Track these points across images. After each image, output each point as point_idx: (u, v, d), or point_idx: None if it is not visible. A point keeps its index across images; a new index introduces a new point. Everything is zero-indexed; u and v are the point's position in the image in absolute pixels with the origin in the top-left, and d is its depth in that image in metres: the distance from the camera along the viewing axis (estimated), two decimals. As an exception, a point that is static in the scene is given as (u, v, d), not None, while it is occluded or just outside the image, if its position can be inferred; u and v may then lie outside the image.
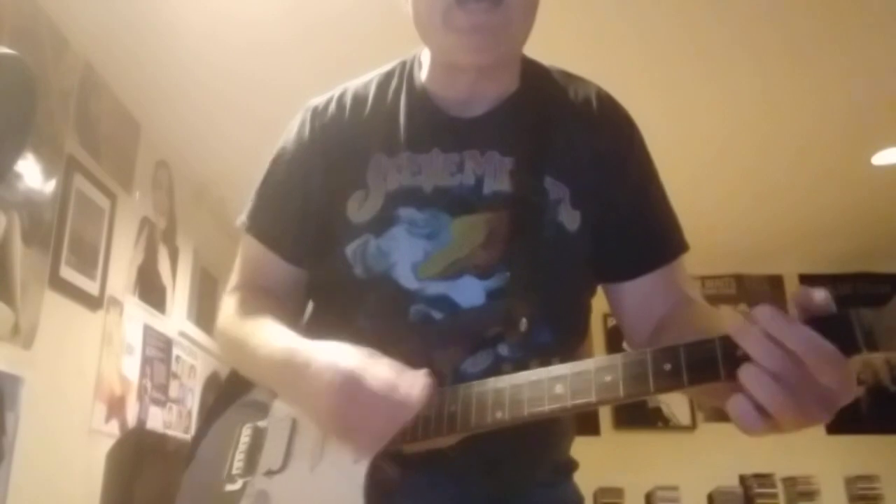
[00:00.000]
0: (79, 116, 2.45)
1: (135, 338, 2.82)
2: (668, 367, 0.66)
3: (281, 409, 0.91)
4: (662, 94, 2.78)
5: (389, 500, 0.78)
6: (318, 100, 1.05)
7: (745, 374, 0.62)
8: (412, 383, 0.76)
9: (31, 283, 2.13)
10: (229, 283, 1.05)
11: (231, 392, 1.00)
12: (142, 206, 2.93)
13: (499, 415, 0.74)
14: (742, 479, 4.21)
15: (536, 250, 0.88)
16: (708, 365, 0.64)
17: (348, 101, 1.01)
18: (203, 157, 3.27)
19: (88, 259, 2.48)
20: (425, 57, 0.99)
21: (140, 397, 2.83)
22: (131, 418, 2.74)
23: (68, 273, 2.33)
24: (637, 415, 4.48)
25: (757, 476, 4.19)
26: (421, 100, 0.97)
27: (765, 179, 3.46)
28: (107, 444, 2.48)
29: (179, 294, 3.32)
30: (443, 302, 0.87)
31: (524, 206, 0.89)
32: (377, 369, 0.77)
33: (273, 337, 0.89)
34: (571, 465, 0.98)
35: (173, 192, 3.26)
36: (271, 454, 0.87)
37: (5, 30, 2.04)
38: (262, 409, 0.93)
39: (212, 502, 0.90)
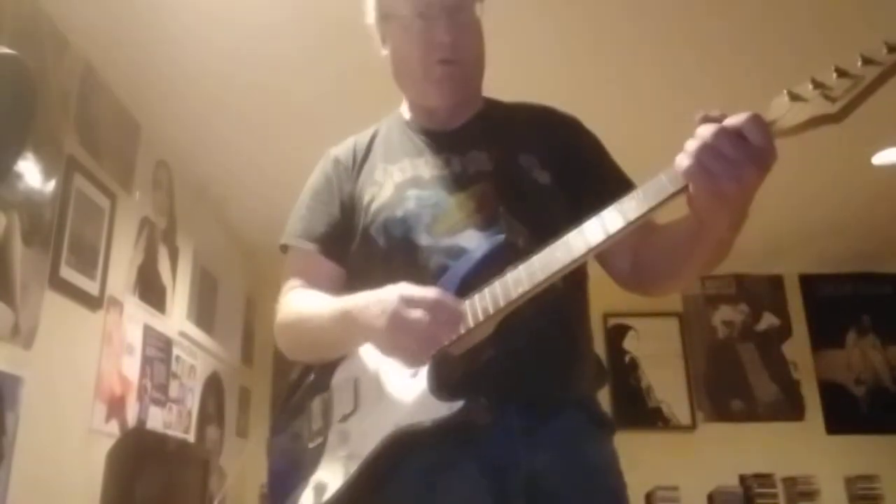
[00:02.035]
0: (79, 116, 2.45)
1: (135, 338, 2.82)
2: (642, 195, 0.88)
3: (341, 377, 1.09)
4: (662, 93, 2.78)
5: (452, 386, 0.95)
6: (334, 148, 1.31)
7: (682, 155, 0.84)
8: (456, 300, 0.96)
9: (31, 283, 2.13)
10: (281, 294, 1.22)
11: (296, 387, 1.19)
12: (142, 206, 2.93)
13: (520, 289, 0.93)
14: (742, 479, 4.21)
15: (520, 199, 1.11)
16: (659, 185, 0.87)
17: (354, 143, 1.28)
18: (203, 157, 3.27)
19: (88, 259, 2.48)
20: (404, 108, 1.30)
21: (140, 397, 2.83)
22: (131, 418, 2.74)
23: (68, 273, 2.32)
24: (637, 415, 4.48)
25: (757, 476, 4.19)
26: (410, 126, 1.26)
27: (764, 179, 3.46)
28: (107, 444, 2.48)
29: (179, 294, 3.32)
30: (455, 250, 1.06)
31: (505, 174, 1.14)
32: (425, 289, 0.96)
33: (332, 300, 1.08)
34: (607, 420, 1.12)
35: (173, 192, 3.26)
36: (342, 405, 1.06)
37: (5, 30, 2.04)
38: (324, 386, 1.11)
39: (303, 460, 1.07)
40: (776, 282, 4.82)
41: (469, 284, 0.99)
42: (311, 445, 1.07)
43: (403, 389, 0.99)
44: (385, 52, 1.24)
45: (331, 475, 1.01)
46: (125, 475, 2.42)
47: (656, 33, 2.52)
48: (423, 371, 0.97)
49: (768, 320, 4.75)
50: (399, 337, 0.94)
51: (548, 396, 1.05)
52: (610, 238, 0.90)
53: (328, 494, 1.00)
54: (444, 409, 0.93)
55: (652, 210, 0.88)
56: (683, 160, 0.83)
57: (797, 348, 4.67)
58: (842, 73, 0.79)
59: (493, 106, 1.27)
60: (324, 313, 1.07)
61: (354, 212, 1.18)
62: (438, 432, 0.93)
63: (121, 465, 2.44)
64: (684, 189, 0.85)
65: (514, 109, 1.27)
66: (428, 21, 1.14)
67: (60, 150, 2.32)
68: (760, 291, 4.81)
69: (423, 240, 1.08)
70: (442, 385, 0.95)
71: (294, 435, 1.12)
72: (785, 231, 4.20)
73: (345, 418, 1.04)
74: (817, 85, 0.80)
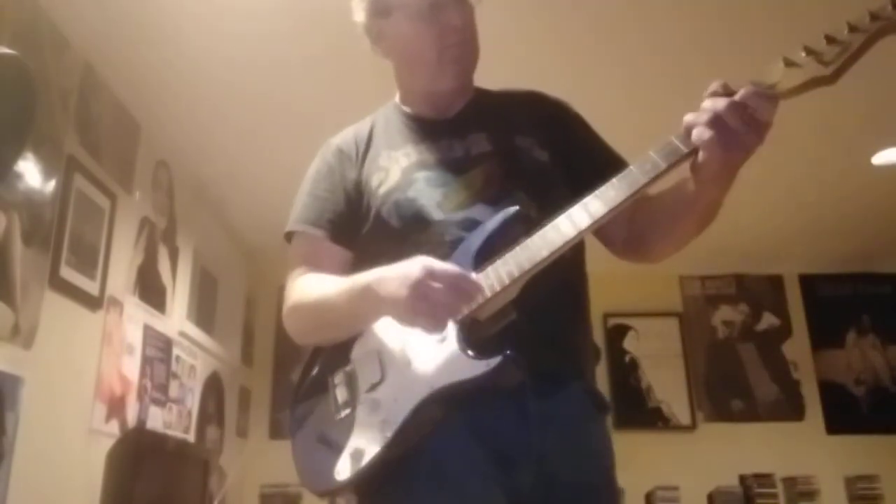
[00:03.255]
0: (79, 116, 2.45)
1: (135, 338, 2.82)
2: (647, 166, 0.97)
3: (361, 351, 1.11)
4: (663, 95, 2.78)
5: (481, 344, 0.99)
6: (334, 138, 1.33)
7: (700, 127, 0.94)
8: (475, 277, 1.00)
9: (31, 283, 2.13)
10: (288, 279, 1.24)
11: (309, 369, 1.20)
12: (142, 206, 2.93)
13: (544, 251, 0.99)
14: (742, 479, 4.21)
15: (524, 176, 1.17)
16: (672, 148, 0.96)
17: (354, 132, 1.31)
18: (203, 157, 3.27)
19: (88, 259, 2.48)
20: (399, 100, 1.34)
21: (140, 397, 2.83)
22: (131, 418, 2.74)
23: (68, 273, 2.32)
24: (637, 415, 4.48)
25: (757, 476, 4.19)
26: (410, 117, 1.30)
27: (764, 179, 3.46)
28: (107, 444, 2.48)
29: (179, 294, 3.32)
30: (468, 222, 1.11)
31: (505, 153, 1.19)
32: (445, 263, 1.00)
33: (346, 278, 1.11)
34: (606, 404, 1.18)
35: (173, 192, 3.26)
36: (368, 376, 1.08)
37: (5, 30, 2.04)
38: (344, 362, 1.12)
39: (331, 432, 1.08)
40: (776, 282, 4.82)
41: (485, 254, 1.03)
42: (338, 417, 1.08)
43: (432, 354, 1.02)
44: (379, 48, 1.28)
45: (366, 441, 1.03)
46: (125, 475, 2.42)
47: (657, 26, 2.52)
48: (452, 335, 1.01)
49: (768, 320, 4.75)
50: (420, 305, 0.97)
51: (562, 359, 1.11)
52: (630, 197, 0.97)
53: (366, 459, 1.02)
54: (481, 366, 0.97)
55: (668, 169, 0.96)
56: (703, 133, 0.93)
57: (797, 348, 4.67)
58: (831, 41, 0.89)
59: (484, 93, 1.32)
60: (340, 290, 1.10)
61: (361, 197, 1.21)
62: (476, 389, 0.97)
63: (121, 465, 2.44)
64: (691, 154, 0.95)
65: (504, 95, 1.33)
66: (437, 8, 1.19)
67: (60, 150, 2.32)
68: (760, 291, 4.81)
69: (436, 215, 1.12)
70: (472, 346, 1.00)
71: (317, 409, 1.13)
72: (785, 231, 4.20)
73: (373, 388, 1.06)
74: (810, 52, 0.90)
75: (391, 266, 1.03)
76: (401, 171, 1.19)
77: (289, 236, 1.27)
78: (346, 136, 1.30)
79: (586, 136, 1.28)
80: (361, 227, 1.20)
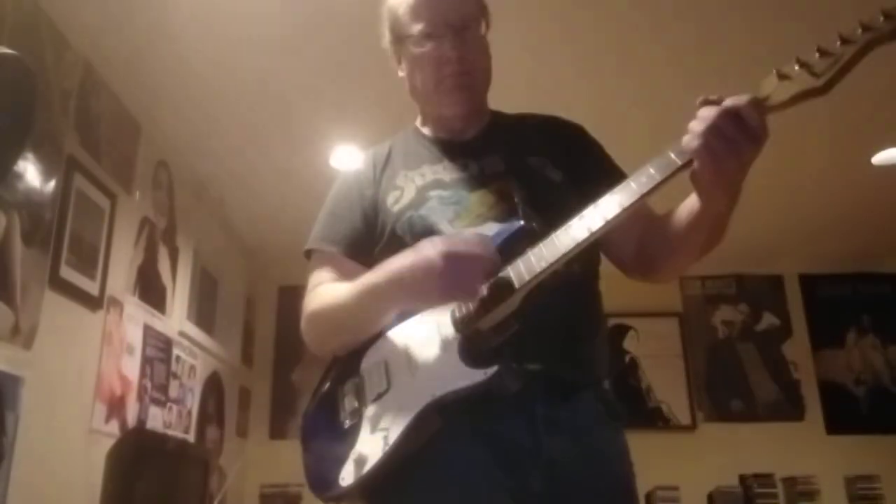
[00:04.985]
0: (79, 116, 2.45)
1: (135, 338, 2.82)
2: (652, 170, 0.97)
3: (369, 362, 1.14)
4: (664, 94, 2.78)
5: (483, 354, 1.01)
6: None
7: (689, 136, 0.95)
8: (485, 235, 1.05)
9: (31, 283, 2.13)
10: (307, 293, 1.27)
11: (324, 378, 1.23)
12: (142, 206, 2.93)
13: (542, 263, 1.00)
14: (742, 479, 4.21)
15: (535, 193, 1.18)
16: (668, 160, 0.97)
17: (373, 154, 1.36)
18: (203, 157, 3.27)
19: (88, 259, 2.48)
20: (419, 122, 1.39)
21: (140, 397, 2.83)
22: (131, 418, 2.74)
23: (68, 273, 2.33)
24: (637, 415, 4.48)
25: (757, 476, 4.19)
26: (427, 139, 1.35)
27: (765, 180, 3.46)
28: (107, 444, 2.48)
29: (179, 294, 3.32)
30: None
31: (518, 172, 1.22)
32: (462, 240, 1.04)
33: (359, 282, 1.14)
34: (621, 413, 1.18)
35: (173, 192, 3.26)
36: (375, 386, 1.11)
37: (5, 30, 2.04)
38: (354, 373, 1.16)
39: (339, 439, 1.11)
40: (776, 282, 4.82)
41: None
42: (346, 425, 1.12)
43: (435, 363, 1.06)
44: (401, 72, 1.34)
45: (370, 448, 1.06)
46: (125, 475, 2.42)
47: (670, 38, 2.52)
48: (454, 345, 1.04)
49: (768, 320, 4.74)
50: (454, 291, 1.01)
51: (568, 370, 1.12)
52: (625, 210, 0.97)
53: (369, 466, 1.05)
54: (479, 375, 1.00)
55: (662, 182, 0.96)
56: (692, 141, 0.93)
57: (797, 348, 4.67)
58: (823, 53, 0.89)
59: (501, 116, 1.37)
60: (352, 293, 1.13)
61: (378, 215, 1.25)
62: (475, 397, 1.00)
63: (121, 465, 2.44)
64: (690, 163, 0.95)
65: (520, 118, 1.37)
66: (436, 39, 1.24)
67: (60, 150, 2.32)
68: (760, 291, 4.81)
69: (448, 231, 1.15)
70: (473, 356, 1.02)
71: (328, 417, 1.16)
72: (785, 231, 4.20)
73: (379, 397, 1.10)
74: (802, 64, 0.91)
75: (403, 258, 1.06)
76: (416, 189, 1.23)
77: (308, 254, 1.31)
78: (366, 157, 1.35)
79: (601, 159, 1.30)
80: (377, 245, 1.24)
